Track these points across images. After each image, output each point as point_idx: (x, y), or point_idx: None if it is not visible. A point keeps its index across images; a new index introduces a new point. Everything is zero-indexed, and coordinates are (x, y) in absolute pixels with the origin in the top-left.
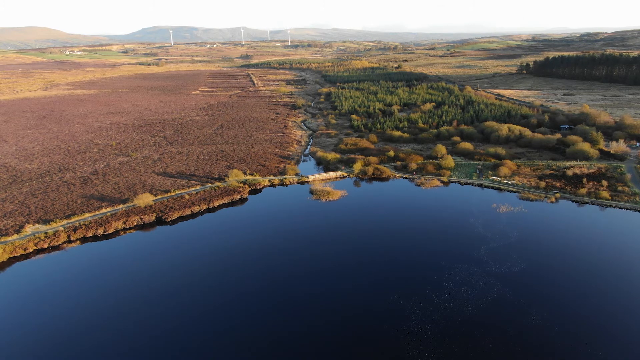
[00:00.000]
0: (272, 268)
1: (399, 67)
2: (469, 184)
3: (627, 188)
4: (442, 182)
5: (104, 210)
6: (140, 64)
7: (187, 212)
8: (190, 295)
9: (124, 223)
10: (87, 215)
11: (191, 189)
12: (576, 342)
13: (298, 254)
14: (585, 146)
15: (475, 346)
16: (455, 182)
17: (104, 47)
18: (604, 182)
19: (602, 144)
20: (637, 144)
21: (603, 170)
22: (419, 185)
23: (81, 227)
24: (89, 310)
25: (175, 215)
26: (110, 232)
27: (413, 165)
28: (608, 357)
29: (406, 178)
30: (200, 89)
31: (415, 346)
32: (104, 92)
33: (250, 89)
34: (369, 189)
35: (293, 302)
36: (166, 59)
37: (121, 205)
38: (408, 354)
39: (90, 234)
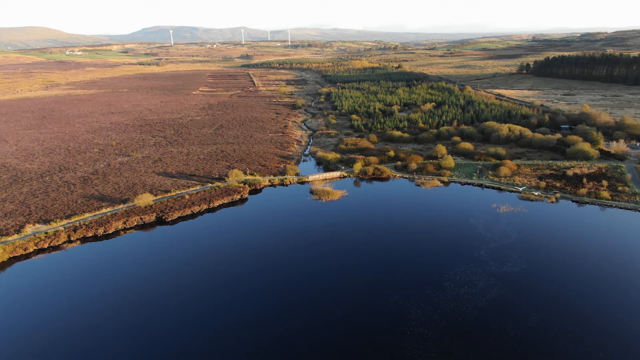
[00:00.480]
0: (272, 268)
1: (399, 67)
2: (469, 184)
3: (627, 188)
4: (442, 182)
5: (104, 210)
6: (140, 64)
7: (187, 212)
8: (190, 295)
9: (124, 223)
10: (87, 215)
11: (191, 189)
12: (576, 342)
13: (298, 254)
14: (586, 146)
15: (475, 346)
16: (455, 182)
17: (104, 47)
18: (604, 182)
19: (603, 144)
20: (638, 144)
21: (603, 170)
22: (419, 185)
23: (81, 227)
24: (89, 310)
25: (176, 215)
26: (110, 232)
27: (413, 165)
28: (608, 357)
29: (406, 178)
30: (200, 89)
31: (415, 346)
32: (104, 92)
33: (250, 88)
34: (369, 189)
35: (293, 302)
36: (166, 59)
37: (121, 205)
38: (408, 354)
39: (90, 234)
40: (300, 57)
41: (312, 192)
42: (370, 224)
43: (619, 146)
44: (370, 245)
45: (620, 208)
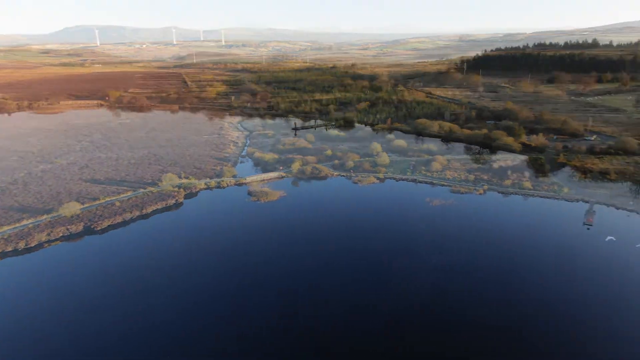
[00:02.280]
0: (205, 273)
1: (334, 67)
2: (403, 179)
3: (546, 178)
4: (378, 178)
5: (24, 222)
6: (63, 65)
7: (119, 219)
8: (119, 311)
9: (48, 235)
10: (5, 228)
11: (122, 195)
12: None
13: (236, 257)
14: (509, 140)
15: (417, 345)
16: (390, 178)
17: (22, 48)
18: (526, 173)
19: (524, 138)
20: (555, 137)
21: (525, 162)
22: (356, 183)
23: None
24: (7, 328)
25: (105, 223)
26: (32, 245)
27: (350, 164)
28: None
29: (344, 176)
30: (130, 91)
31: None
32: (24, 95)
33: (183, 90)
34: (307, 188)
35: (221, 306)
36: (92, 60)
37: (45, 216)
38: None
39: (10, 248)
40: (235, 57)
41: (250, 193)
42: (310, 224)
43: (538, 139)
44: (309, 248)
45: (541, 197)
